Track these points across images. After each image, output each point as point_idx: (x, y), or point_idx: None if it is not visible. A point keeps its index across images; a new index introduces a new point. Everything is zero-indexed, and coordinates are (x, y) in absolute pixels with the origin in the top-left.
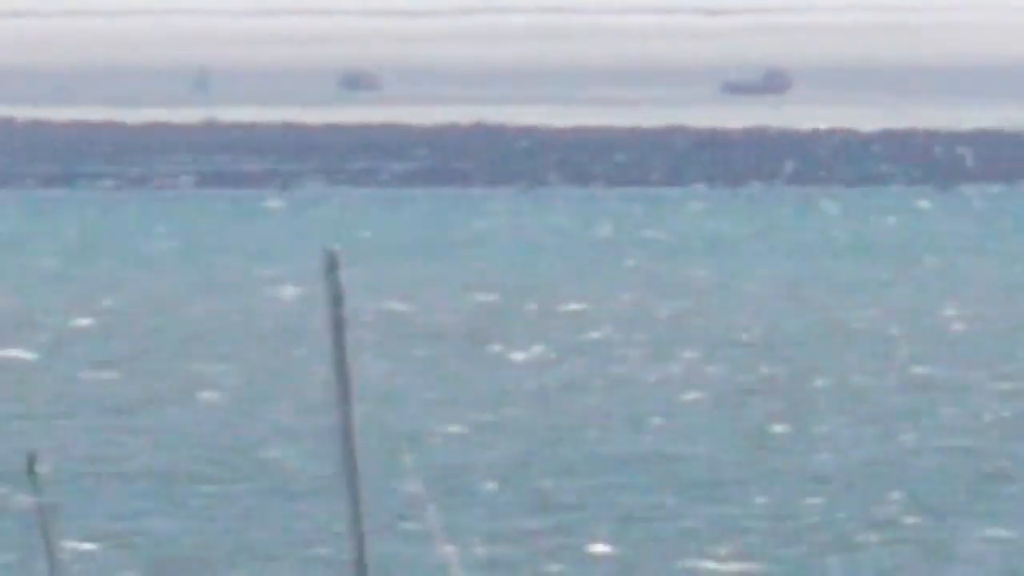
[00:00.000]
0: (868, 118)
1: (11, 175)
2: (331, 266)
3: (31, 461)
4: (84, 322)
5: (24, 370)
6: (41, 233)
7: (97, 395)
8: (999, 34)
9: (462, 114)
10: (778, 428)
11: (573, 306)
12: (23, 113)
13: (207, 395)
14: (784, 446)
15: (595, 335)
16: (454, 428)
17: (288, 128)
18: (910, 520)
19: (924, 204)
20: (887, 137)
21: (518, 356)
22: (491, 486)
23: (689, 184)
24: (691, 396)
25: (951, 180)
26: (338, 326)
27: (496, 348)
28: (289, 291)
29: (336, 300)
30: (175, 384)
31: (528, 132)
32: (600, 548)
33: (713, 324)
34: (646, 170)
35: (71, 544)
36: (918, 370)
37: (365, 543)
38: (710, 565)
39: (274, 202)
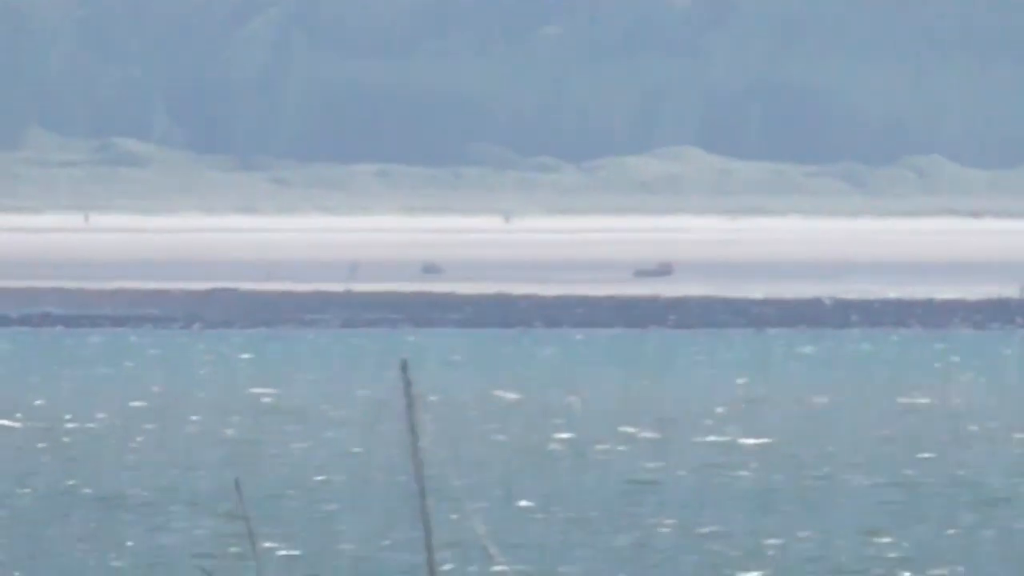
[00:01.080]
0: (713, 290)
1: (232, 322)
2: (403, 367)
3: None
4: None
5: None
6: (243, 354)
7: None
8: (780, 243)
9: (488, 288)
10: None
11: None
12: (243, 286)
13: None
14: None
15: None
16: None
17: (392, 295)
18: None
19: (736, 343)
20: (719, 301)
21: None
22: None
23: (620, 327)
24: None
25: (761, 326)
26: (411, 405)
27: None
28: (387, 375)
29: (408, 387)
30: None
31: (524, 299)
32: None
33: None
34: (596, 319)
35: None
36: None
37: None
38: None
39: (383, 340)
